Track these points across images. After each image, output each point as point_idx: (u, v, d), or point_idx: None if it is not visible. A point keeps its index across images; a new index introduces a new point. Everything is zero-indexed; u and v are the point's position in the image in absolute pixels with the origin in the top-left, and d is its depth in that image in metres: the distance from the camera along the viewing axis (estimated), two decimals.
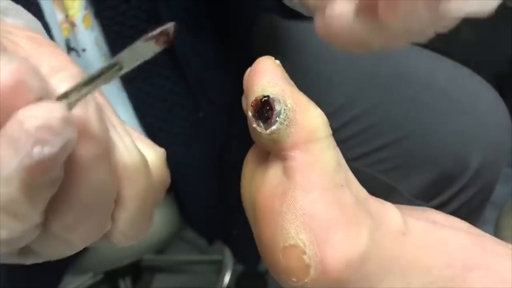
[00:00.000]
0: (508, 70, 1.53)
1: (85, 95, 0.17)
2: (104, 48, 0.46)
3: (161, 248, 0.98)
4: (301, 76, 0.25)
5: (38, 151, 0.15)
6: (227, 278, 1.00)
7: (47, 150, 0.15)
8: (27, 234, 0.18)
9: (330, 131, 0.24)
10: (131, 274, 0.95)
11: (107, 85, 0.53)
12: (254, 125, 0.23)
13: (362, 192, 0.24)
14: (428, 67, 0.58)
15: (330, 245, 0.22)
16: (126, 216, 0.21)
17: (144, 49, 0.19)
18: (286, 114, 0.22)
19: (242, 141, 0.30)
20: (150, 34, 0.19)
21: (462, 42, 1.70)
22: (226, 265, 1.00)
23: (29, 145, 0.15)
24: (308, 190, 0.22)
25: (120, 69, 0.18)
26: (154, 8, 0.44)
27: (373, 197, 0.25)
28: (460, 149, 0.57)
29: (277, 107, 0.22)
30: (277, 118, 0.22)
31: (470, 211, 0.65)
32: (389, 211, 0.24)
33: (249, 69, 0.25)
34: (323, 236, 0.22)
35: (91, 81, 0.17)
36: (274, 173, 0.23)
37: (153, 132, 0.51)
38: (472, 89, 0.60)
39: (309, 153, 0.22)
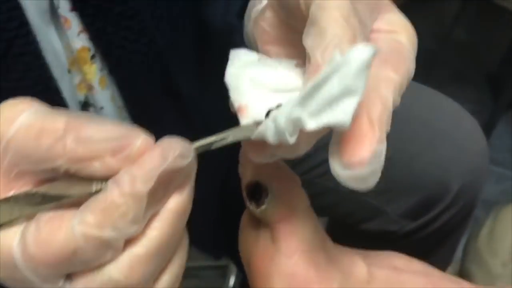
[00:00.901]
0: (499, 70, 1.57)
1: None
2: (119, 101, 0.50)
3: None
4: None
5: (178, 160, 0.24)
6: (231, 282, 1.06)
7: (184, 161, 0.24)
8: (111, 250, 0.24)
9: (308, 203, 0.30)
10: None
11: None
12: (248, 204, 0.29)
13: (334, 250, 0.30)
14: (409, 99, 0.64)
15: None
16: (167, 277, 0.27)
17: (246, 131, 0.26)
18: (273, 195, 0.29)
19: None
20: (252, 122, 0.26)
21: (455, 43, 1.74)
22: (230, 270, 1.06)
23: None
24: (290, 255, 0.28)
25: (226, 140, 0.26)
26: (166, 65, 0.49)
27: (344, 252, 0.31)
28: (441, 174, 0.63)
29: (266, 191, 0.29)
30: (266, 200, 0.28)
31: (453, 227, 0.71)
32: (356, 263, 0.30)
33: (244, 145, 0.30)
34: None
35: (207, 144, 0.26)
36: (264, 240, 0.30)
37: None
38: (452, 118, 0.65)
39: (291, 225, 0.29)
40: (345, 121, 0.22)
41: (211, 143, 0.26)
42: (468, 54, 1.68)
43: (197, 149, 0.26)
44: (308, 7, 0.26)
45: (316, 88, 0.22)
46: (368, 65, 0.22)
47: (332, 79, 0.22)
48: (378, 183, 0.25)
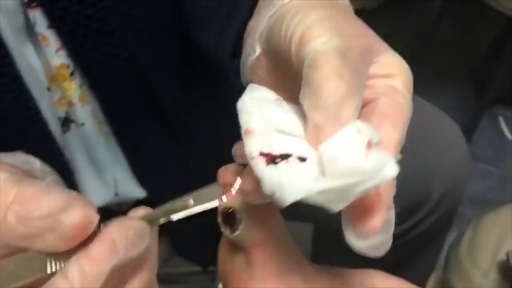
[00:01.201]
0: (482, 67, 1.59)
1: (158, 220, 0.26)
2: (100, 116, 0.50)
3: None
4: None
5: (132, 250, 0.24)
6: (221, 286, 1.06)
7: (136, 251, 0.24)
8: None
9: (284, 226, 0.30)
10: None
11: (105, 143, 0.57)
12: (222, 229, 0.29)
13: (311, 272, 0.31)
14: None
15: None
16: None
17: (210, 193, 0.27)
18: (247, 222, 0.29)
19: None
20: (218, 182, 0.27)
21: (438, 41, 1.75)
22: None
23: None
24: (265, 280, 0.29)
25: (188, 206, 0.27)
26: (147, 80, 0.49)
27: (321, 273, 0.31)
28: (423, 180, 0.63)
29: (239, 217, 0.29)
30: (239, 226, 0.29)
31: (437, 232, 0.71)
32: (333, 284, 0.31)
33: (220, 170, 0.30)
34: None
35: (166, 213, 0.26)
36: (239, 263, 0.30)
37: (147, 181, 0.56)
38: (433, 123, 0.66)
39: (265, 249, 0.29)
40: (335, 209, 0.24)
41: (171, 211, 0.27)
42: (452, 51, 1.70)
43: (154, 221, 0.27)
44: (300, 64, 0.26)
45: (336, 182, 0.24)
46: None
47: (352, 185, 0.24)
48: None
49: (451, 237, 0.76)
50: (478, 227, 0.50)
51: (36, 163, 0.29)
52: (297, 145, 0.26)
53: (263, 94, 0.29)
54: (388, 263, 0.36)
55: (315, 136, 0.26)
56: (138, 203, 0.58)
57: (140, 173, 0.56)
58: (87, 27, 0.43)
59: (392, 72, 0.28)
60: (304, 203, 0.25)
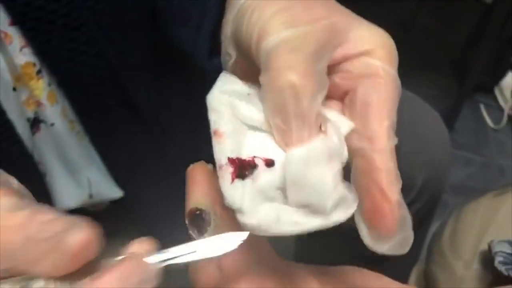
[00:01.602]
0: (463, 55, 1.59)
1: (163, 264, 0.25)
2: (71, 115, 0.48)
3: None
4: None
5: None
6: None
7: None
8: None
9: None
10: None
11: (77, 143, 0.55)
12: (190, 232, 0.28)
13: (286, 272, 0.29)
14: None
15: None
16: None
17: (218, 244, 0.26)
18: (216, 223, 0.27)
19: None
20: (224, 234, 0.26)
21: (419, 30, 1.76)
22: None
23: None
24: (237, 283, 0.27)
25: (195, 254, 0.26)
26: (118, 76, 0.47)
27: (297, 272, 0.30)
28: (405, 170, 0.62)
29: (207, 218, 0.27)
30: (208, 228, 0.27)
31: (421, 219, 0.71)
32: (309, 284, 0.29)
33: (188, 168, 0.29)
34: None
35: (171, 258, 0.25)
36: (210, 267, 0.28)
37: (124, 181, 0.55)
38: (414, 113, 0.65)
39: (236, 251, 0.27)
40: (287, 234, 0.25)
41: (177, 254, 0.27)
42: (433, 40, 1.70)
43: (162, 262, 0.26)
44: None
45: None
46: None
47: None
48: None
49: (434, 226, 0.76)
50: (459, 218, 0.49)
51: (14, 183, 0.28)
52: (267, 143, 0.26)
53: (235, 87, 0.28)
54: (369, 258, 0.35)
55: (281, 140, 0.25)
56: (113, 203, 0.57)
57: (116, 172, 0.54)
58: (52, 23, 0.41)
59: (367, 48, 0.27)
60: None
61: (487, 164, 1.48)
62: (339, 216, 0.25)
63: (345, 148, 0.25)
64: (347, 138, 0.26)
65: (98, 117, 0.49)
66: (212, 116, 0.27)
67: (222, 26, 0.34)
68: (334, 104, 0.28)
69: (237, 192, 0.25)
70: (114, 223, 0.65)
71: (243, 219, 0.25)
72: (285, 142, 0.25)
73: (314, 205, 0.24)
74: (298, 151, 0.24)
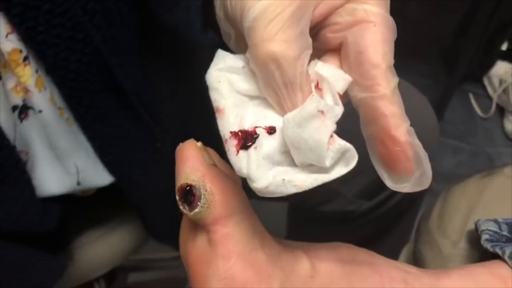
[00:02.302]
0: (451, 45, 1.60)
1: None
2: (60, 102, 0.48)
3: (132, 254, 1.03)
4: None
5: None
6: None
7: None
8: None
9: (247, 202, 0.29)
10: (105, 275, 0.99)
11: (66, 130, 0.56)
12: (181, 207, 0.28)
13: (276, 248, 0.30)
14: None
15: None
16: None
17: None
18: (206, 198, 0.27)
19: None
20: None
21: (408, 19, 1.76)
22: None
23: None
24: (228, 258, 0.27)
25: None
26: (105, 61, 0.47)
27: (286, 248, 0.30)
28: None
29: (198, 193, 0.27)
30: (198, 203, 0.27)
31: (410, 201, 0.72)
32: (299, 259, 0.30)
33: (178, 147, 0.29)
34: None
35: None
36: (201, 243, 0.29)
37: (114, 166, 0.55)
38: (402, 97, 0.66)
39: (227, 227, 0.28)
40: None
41: None
42: (421, 30, 1.70)
43: None
44: None
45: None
46: None
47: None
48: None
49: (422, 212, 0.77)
50: (447, 198, 0.50)
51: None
52: (267, 112, 0.27)
53: (229, 63, 0.28)
54: (360, 239, 0.35)
55: (278, 107, 0.27)
56: (102, 189, 0.57)
57: (106, 158, 0.54)
58: (37, 8, 0.41)
59: None
60: None
61: (475, 152, 1.49)
62: (340, 171, 0.26)
63: (340, 105, 0.26)
64: (349, 91, 0.27)
65: (87, 103, 0.49)
66: (213, 95, 0.28)
67: (211, 3, 0.35)
68: (333, 58, 0.28)
69: (243, 162, 0.26)
70: (103, 205, 0.65)
71: (253, 185, 0.26)
72: (282, 109, 0.26)
73: (315, 163, 0.26)
74: (291, 115, 0.25)
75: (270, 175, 0.26)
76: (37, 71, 0.45)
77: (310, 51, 0.26)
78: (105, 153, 0.54)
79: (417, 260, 0.47)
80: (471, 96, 1.62)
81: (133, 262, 1.11)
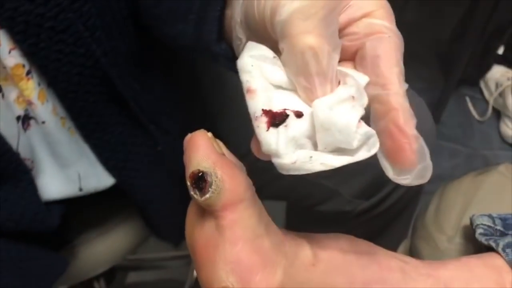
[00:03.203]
0: (449, 49, 1.61)
1: None
2: (62, 112, 0.49)
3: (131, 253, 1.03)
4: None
5: None
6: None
7: None
8: None
9: (253, 190, 0.30)
10: (105, 275, 1.00)
11: (68, 139, 0.58)
12: (192, 193, 0.29)
13: (280, 236, 0.31)
14: None
15: (253, 284, 0.28)
16: None
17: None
18: (217, 184, 0.28)
19: None
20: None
21: (405, 24, 1.76)
22: None
23: None
24: (234, 243, 0.28)
25: None
26: (105, 73, 0.47)
27: (289, 236, 0.31)
28: None
29: (209, 179, 0.28)
30: (210, 189, 0.28)
31: (405, 204, 0.73)
32: (301, 247, 0.31)
33: (188, 136, 0.30)
34: (247, 278, 0.28)
35: None
36: (208, 228, 0.29)
37: (117, 171, 0.56)
38: None
39: (235, 213, 0.29)
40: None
41: None
42: (419, 33, 1.72)
43: None
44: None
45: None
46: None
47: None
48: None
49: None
50: (443, 195, 0.51)
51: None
52: (293, 100, 0.29)
53: (261, 52, 0.31)
54: (359, 236, 0.36)
55: (306, 97, 0.29)
56: (101, 192, 0.58)
57: (109, 165, 0.55)
58: (39, 26, 0.42)
59: (368, 10, 0.30)
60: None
61: (472, 155, 1.50)
62: (364, 155, 0.28)
63: (365, 95, 0.28)
64: (364, 90, 0.29)
65: (88, 113, 0.50)
66: (244, 77, 0.30)
67: (226, 15, 0.38)
68: (346, 65, 0.31)
69: (272, 138, 0.28)
70: (104, 204, 0.65)
71: (279, 160, 0.28)
72: (310, 99, 0.28)
73: (341, 145, 0.27)
74: (324, 99, 0.28)
75: (295, 153, 0.28)
76: (39, 84, 0.46)
77: (339, 51, 0.29)
78: (107, 160, 0.54)
79: (413, 255, 0.48)
80: (467, 99, 1.63)
81: (133, 262, 1.12)
